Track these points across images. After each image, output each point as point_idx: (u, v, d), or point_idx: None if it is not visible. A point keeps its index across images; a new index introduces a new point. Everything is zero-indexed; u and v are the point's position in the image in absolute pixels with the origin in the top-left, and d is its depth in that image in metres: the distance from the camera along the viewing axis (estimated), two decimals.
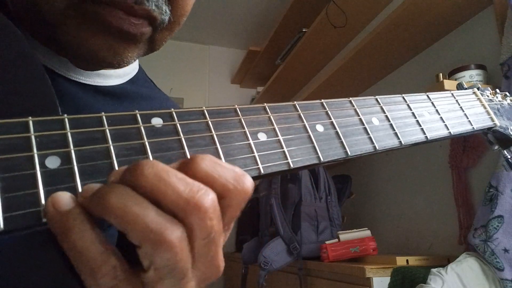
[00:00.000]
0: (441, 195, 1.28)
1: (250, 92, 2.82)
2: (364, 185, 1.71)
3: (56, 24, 0.35)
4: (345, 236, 1.28)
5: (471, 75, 1.08)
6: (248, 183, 0.23)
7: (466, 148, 1.16)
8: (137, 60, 0.51)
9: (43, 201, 0.20)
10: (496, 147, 0.49)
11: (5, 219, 0.19)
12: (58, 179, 0.21)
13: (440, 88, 1.03)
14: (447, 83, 1.04)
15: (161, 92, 0.54)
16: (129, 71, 0.48)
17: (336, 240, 1.28)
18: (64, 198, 0.21)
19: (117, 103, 0.44)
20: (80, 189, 0.22)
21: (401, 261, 1.06)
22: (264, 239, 1.53)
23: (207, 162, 0.23)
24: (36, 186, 0.20)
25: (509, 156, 0.50)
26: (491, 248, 0.90)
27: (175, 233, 0.21)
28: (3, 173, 0.20)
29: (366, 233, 1.27)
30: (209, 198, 0.21)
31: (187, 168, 0.22)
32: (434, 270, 0.91)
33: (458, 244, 1.15)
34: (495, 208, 0.91)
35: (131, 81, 0.48)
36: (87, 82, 0.42)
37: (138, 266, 0.22)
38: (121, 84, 0.46)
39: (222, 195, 0.23)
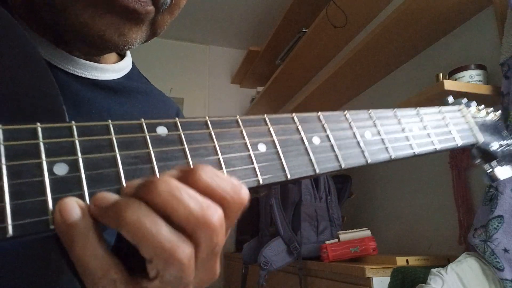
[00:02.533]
0: (441, 195, 1.28)
1: (250, 92, 2.81)
2: (364, 185, 1.72)
3: (63, 8, 0.36)
4: (345, 236, 1.28)
5: (471, 75, 1.08)
6: (245, 194, 0.24)
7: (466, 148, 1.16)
8: (130, 57, 0.52)
9: (51, 209, 0.21)
10: (478, 160, 0.51)
11: (14, 226, 0.19)
12: (66, 186, 0.21)
13: (440, 88, 1.03)
14: (447, 83, 1.04)
15: (155, 88, 0.55)
16: (123, 67, 0.49)
17: (336, 240, 1.29)
18: (72, 207, 0.21)
19: (114, 97, 0.45)
20: (87, 197, 0.22)
21: (401, 261, 1.06)
22: (264, 239, 1.53)
23: (208, 174, 0.23)
24: (44, 193, 0.21)
25: (488, 171, 0.51)
26: (491, 248, 0.90)
27: (186, 252, 0.22)
28: (12, 179, 0.20)
29: (366, 233, 1.27)
30: (217, 215, 0.22)
31: (189, 178, 0.23)
32: (434, 270, 0.91)
33: (458, 244, 1.16)
34: (495, 208, 0.92)
35: (127, 76, 0.49)
36: (85, 76, 0.43)
37: (139, 269, 0.23)
38: (117, 79, 0.47)
39: (220, 206, 0.23)
